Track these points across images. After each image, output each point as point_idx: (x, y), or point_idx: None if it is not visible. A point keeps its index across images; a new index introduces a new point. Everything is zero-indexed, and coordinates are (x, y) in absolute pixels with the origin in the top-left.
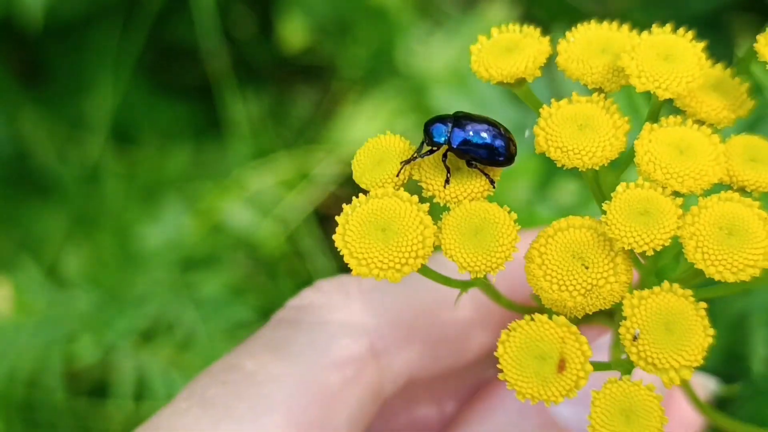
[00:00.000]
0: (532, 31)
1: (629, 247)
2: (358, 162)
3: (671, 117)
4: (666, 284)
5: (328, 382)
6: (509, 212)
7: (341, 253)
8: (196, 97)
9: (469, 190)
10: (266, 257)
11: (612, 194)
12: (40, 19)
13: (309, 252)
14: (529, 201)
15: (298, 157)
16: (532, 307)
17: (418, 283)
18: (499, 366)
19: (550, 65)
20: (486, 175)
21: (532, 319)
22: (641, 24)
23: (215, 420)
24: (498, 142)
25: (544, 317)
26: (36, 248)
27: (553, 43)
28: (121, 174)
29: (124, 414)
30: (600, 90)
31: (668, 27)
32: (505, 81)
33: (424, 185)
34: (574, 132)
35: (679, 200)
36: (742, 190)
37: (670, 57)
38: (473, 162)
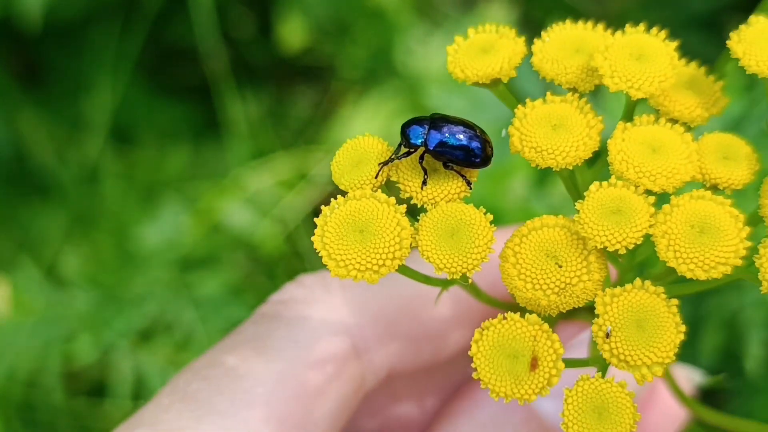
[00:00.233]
0: (508, 32)
1: (602, 246)
2: (337, 163)
3: (644, 116)
4: (638, 281)
5: (308, 377)
6: (485, 213)
7: (319, 255)
8: (195, 98)
9: (445, 192)
10: (265, 257)
11: (585, 193)
12: (39, 20)
13: (308, 252)
14: (525, 198)
15: (297, 158)
16: (512, 303)
17: (399, 279)
18: (472, 365)
19: None
20: (463, 176)
21: (505, 318)
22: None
23: (197, 415)
24: (474, 144)
25: (517, 316)
26: (35, 248)
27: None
28: (120, 174)
29: (123, 413)
30: (574, 90)
31: (641, 26)
32: (480, 82)
33: (401, 186)
34: (548, 132)
35: (652, 199)
36: (715, 188)
37: (643, 57)
38: (450, 163)
